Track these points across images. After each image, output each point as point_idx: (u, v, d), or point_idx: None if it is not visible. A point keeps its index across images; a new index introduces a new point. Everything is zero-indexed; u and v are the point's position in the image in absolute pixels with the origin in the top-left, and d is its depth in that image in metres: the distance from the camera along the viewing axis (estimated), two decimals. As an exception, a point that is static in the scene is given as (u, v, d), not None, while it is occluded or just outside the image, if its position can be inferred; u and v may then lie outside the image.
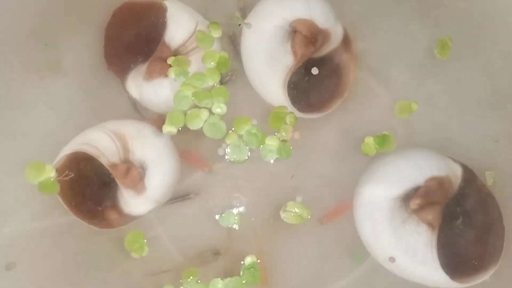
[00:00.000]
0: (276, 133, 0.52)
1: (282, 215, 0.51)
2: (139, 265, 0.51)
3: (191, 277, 0.49)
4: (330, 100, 0.53)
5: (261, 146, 0.51)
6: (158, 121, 0.52)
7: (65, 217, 0.51)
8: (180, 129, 0.52)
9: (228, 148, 0.52)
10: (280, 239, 0.53)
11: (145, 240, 0.50)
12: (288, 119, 0.51)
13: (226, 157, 0.52)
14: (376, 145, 0.52)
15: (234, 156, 0.51)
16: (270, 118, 0.51)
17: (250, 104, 0.54)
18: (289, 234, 0.52)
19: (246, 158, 0.51)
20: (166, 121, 0.50)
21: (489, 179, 0.52)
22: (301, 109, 0.52)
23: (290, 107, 0.51)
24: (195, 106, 0.51)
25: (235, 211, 0.52)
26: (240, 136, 0.51)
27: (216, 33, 0.52)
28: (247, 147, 0.52)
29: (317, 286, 0.52)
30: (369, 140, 0.52)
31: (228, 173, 0.54)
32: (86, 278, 0.51)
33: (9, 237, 0.51)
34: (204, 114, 0.50)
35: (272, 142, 0.51)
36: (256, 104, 0.54)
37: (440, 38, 0.55)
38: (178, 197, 0.53)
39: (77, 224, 0.51)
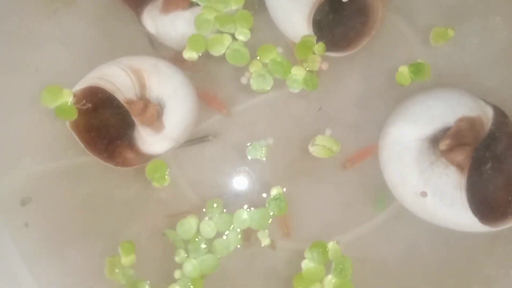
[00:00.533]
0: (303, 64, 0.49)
1: (311, 149, 0.49)
2: (156, 206, 0.50)
3: (216, 205, 0.48)
4: (355, 39, 0.50)
5: (287, 76, 0.49)
6: (175, 57, 0.50)
7: (80, 157, 0.50)
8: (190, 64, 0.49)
9: (251, 77, 0.49)
10: (301, 185, 0.51)
11: (167, 171, 0.48)
12: (316, 48, 0.49)
13: (250, 86, 0.49)
14: (410, 74, 0.49)
15: (258, 85, 0.48)
16: (297, 47, 0.48)
17: (271, 41, 0.51)
18: (311, 180, 0.51)
19: (270, 88, 0.49)
20: (187, 46, 0.47)
21: None
22: (325, 48, 0.49)
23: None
24: (218, 32, 0.48)
25: (262, 143, 0.50)
26: (265, 65, 0.49)
27: None
28: (271, 77, 0.49)
29: (337, 232, 0.51)
30: (403, 69, 0.50)
31: (247, 115, 0.52)
32: (103, 218, 0.50)
33: (24, 175, 0.50)
34: (227, 39, 0.48)
35: (298, 72, 0.49)
36: (277, 41, 0.51)
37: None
38: (196, 138, 0.51)
39: (92, 165, 0.50)
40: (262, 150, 0.50)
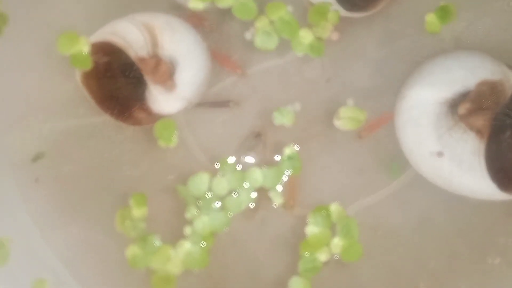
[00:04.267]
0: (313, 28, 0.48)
1: (337, 123, 0.48)
2: (166, 166, 0.49)
3: (229, 162, 0.48)
4: (374, -1, 0.49)
5: (293, 37, 0.48)
6: (192, 17, 0.49)
7: (91, 117, 0.49)
8: (207, 24, 0.48)
9: (256, 33, 0.48)
10: (313, 151, 0.50)
11: (176, 131, 0.48)
12: (330, 16, 0.47)
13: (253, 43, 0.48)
14: (439, 20, 0.48)
15: (262, 43, 0.47)
16: (310, 11, 0.47)
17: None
18: (323, 145, 0.50)
19: (274, 47, 0.48)
20: None
21: None
22: (343, 4, 0.48)
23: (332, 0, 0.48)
24: None
25: (289, 108, 0.49)
26: (272, 22, 0.48)
27: None
28: (277, 36, 0.48)
29: (350, 199, 0.50)
30: (430, 16, 0.48)
31: (260, 79, 0.50)
32: (112, 176, 0.49)
33: (34, 132, 0.49)
34: None
35: (306, 35, 0.47)
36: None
37: None
38: (216, 102, 0.50)
39: (104, 123, 0.49)
40: (289, 115, 0.49)
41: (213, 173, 0.48)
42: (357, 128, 0.48)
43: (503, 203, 0.47)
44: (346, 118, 0.48)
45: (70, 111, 0.50)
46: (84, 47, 0.45)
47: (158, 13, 0.49)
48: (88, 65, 0.46)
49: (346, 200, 0.50)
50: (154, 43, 0.47)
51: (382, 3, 0.49)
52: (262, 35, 0.47)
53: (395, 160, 0.50)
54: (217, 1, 0.47)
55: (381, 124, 0.50)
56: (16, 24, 0.50)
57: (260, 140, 0.49)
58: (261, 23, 0.47)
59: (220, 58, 0.51)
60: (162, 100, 0.47)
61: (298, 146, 0.49)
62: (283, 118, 0.49)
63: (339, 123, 0.48)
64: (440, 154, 0.45)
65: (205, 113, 0.51)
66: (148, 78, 0.47)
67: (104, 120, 0.48)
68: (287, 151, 0.48)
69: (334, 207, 0.47)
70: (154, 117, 0.48)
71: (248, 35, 0.49)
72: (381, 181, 0.50)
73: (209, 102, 0.50)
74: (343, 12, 0.48)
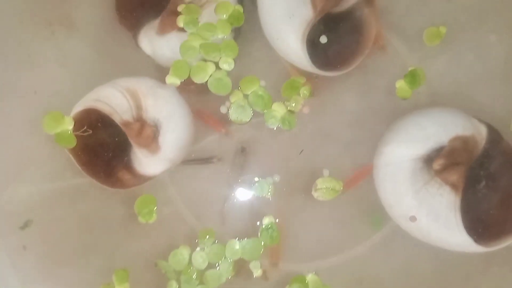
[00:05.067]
0: (285, 102, 0.50)
1: (315, 194, 0.49)
2: (152, 226, 0.50)
3: (208, 237, 0.48)
4: (350, 58, 0.51)
5: (266, 110, 0.49)
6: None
7: (78, 179, 0.50)
8: (193, 87, 0.50)
9: (231, 106, 0.49)
10: (296, 203, 0.51)
11: (155, 208, 0.49)
12: (302, 91, 0.49)
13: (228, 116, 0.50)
14: (408, 85, 0.49)
15: (236, 116, 0.49)
16: (284, 85, 0.49)
17: (265, 60, 0.52)
18: (306, 198, 0.51)
19: (248, 120, 0.49)
20: (170, 71, 0.48)
21: None
22: (319, 67, 0.50)
23: (309, 63, 0.49)
24: (203, 59, 0.49)
25: (269, 180, 0.50)
26: (246, 96, 0.49)
27: None
28: (251, 109, 0.49)
29: (334, 252, 0.51)
30: (400, 83, 0.50)
31: (242, 135, 0.52)
32: (99, 240, 0.50)
33: (20, 198, 0.50)
34: (211, 67, 0.48)
35: (278, 109, 0.49)
36: (272, 60, 0.52)
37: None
38: (200, 159, 0.52)
39: (90, 186, 0.50)
40: (269, 188, 0.50)
41: (197, 233, 0.49)
42: (334, 197, 0.49)
43: (482, 254, 0.48)
44: (324, 189, 0.49)
45: (58, 174, 0.51)
46: (68, 126, 0.47)
47: (141, 77, 0.50)
48: (73, 143, 0.47)
49: (330, 253, 0.51)
50: (139, 107, 0.49)
51: (357, 61, 0.51)
52: (236, 109, 0.49)
53: (377, 212, 0.51)
54: (193, 77, 0.48)
55: (361, 178, 0.51)
56: (4, 91, 0.51)
57: (245, 153, 0.50)
58: (236, 97, 0.49)
59: (204, 117, 0.52)
60: (146, 162, 0.49)
61: (281, 198, 0.50)
62: (263, 190, 0.50)
63: (317, 195, 0.49)
64: (412, 218, 0.46)
65: (189, 169, 0.52)
66: (132, 142, 0.48)
67: (91, 181, 0.49)
68: (266, 220, 0.49)
69: (310, 277, 0.48)
70: (140, 179, 0.49)
71: (223, 109, 0.51)
72: (364, 232, 0.51)
73: (194, 159, 0.52)
74: (321, 72, 0.50)
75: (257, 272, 0.49)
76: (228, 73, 0.49)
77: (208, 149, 0.52)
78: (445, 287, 0.50)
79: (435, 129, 0.47)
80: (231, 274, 0.48)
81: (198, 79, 0.48)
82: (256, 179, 0.50)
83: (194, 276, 0.47)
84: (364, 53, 0.51)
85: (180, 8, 0.48)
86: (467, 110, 0.50)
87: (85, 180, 0.50)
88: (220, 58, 0.48)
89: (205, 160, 0.52)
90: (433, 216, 0.46)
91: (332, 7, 0.49)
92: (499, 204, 0.48)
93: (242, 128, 0.52)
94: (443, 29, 0.51)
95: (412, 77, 0.49)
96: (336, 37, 0.51)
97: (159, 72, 0.52)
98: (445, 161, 0.46)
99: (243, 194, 0.51)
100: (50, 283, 0.49)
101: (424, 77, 0.50)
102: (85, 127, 0.47)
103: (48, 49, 0.52)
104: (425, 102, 0.52)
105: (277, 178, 0.51)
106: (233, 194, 0.51)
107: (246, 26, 0.52)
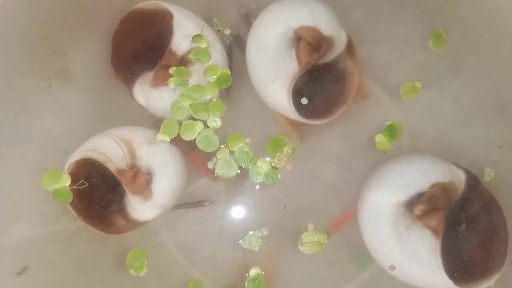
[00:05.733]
0: (269, 158, 0.52)
1: (301, 248, 0.51)
2: (147, 270, 0.51)
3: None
4: (334, 106, 0.53)
5: (250, 165, 0.51)
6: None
7: (73, 223, 0.52)
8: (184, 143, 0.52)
9: (218, 162, 0.51)
10: (284, 247, 0.53)
11: (146, 262, 0.50)
12: (286, 149, 0.52)
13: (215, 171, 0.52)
14: (387, 138, 0.52)
15: (223, 171, 0.51)
16: (269, 143, 0.51)
17: (254, 108, 0.54)
18: (293, 242, 0.53)
19: (234, 174, 0.51)
20: (161, 130, 0.50)
21: (486, 175, 0.53)
22: (305, 116, 0.52)
23: (295, 114, 0.52)
24: (191, 117, 0.51)
25: (257, 234, 0.52)
26: (232, 153, 0.51)
27: (202, 44, 0.51)
28: (237, 165, 0.51)
29: (322, 293, 0.53)
30: (379, 137, 0.52)
31: (235, 183, 0.54)
32: (93, 283, 0.52)
33: (17, 242, 0.52)
34: (199, 126, 0.51)
35: (262, 165, 0.51)
36: (260, 108, 0.54)
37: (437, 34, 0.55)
38: (192, 203, 0.54)
39: (84, 230, 0.52)
40: (257, 241, 0.51)
41: (191, 273, 0.51)
42: (319, 250, 0.51)
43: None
44: (309, 243, 0.51)
45: (53, 219, 0.52)
46: (66, 183, 0.49)
47: (135, 127, 0.53)
48: (69, 199, 0.49)
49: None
50: (133, 155, 0.51)
51: (341, 110, 0.54)
52: (223, 164, 0.51)
53: (363, 253, 0.53)
54: (182, 135, 0.50)
55: (346, 221, 0.53)
56: (3, 139, 0.53)
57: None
58: (222, 154, 0.51)
59: (196, 162, 0.54)
60: (140, 209, 0.51)
61: (269, 240, 0.52)
62: (251, 244, 0.51)
63: (303, 248, 0.51)
64: (391, 268, 0.48)
65: (182, 213, 0.54)
66: (126, 188, 0.50)
67: (84, 225, 0.51)
68: (252, 271, 0.50)
69: None
70: (133, 224, 0.51)
71: (210, 164, 0.53)
72: (350, 273, 0.53)
73: (186, 203, 0.54)
74: (307, 121, 0.53)
75: None
76: (216, 130, 0.51)
77: (199, 192, 0.54)
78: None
79: (415, 176, 0.50)
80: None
81: (187, 136, 0.50)
82: (247, 232, 0.52)
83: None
84: (347, 102, 0.54)
85: (171, 71, 0.51)
86: (447, 155, 0.53)
87: (80, 224, 0.51)
88: (208, 117, 0.51)
89: (197, 203, 0.54)
90: (415, 259, 0.48)
91: (316, 60, 0.52)
92: (479, 245, 0.50)
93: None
94: (418, 84, 0.54)
95: (390, 131, 0.52)
96: (320, 87, 0.54)
97: (153, 121, 0.54)
98: (425, 206, 0.49)
99: (232, 245, 0.52)
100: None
101: (402, 130, 0.53)
102: (81, 180, 0.49)
103: (46, 101, 0.54)
104: (406, 148, 0.55)
105: (265, 231, 0.52)
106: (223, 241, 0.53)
107: (236, 76, 0.55)
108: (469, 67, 0.57)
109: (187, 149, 0.53)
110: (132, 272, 0.50)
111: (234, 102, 0.55)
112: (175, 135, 0.50)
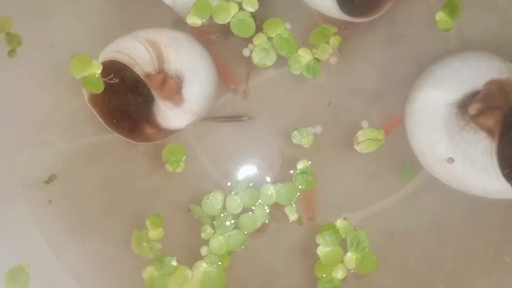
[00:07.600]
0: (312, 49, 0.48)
1: (358, 148, 0.47)
2: (177, 182, 0.49)
3: (241, 179, 0.47)
4: (378, 3, 0.48)
5: (291, 54, 0.47)
6: (196, 31, 0.49)
7: (101, 135, 0.49)
8: (214, 37, 0.48)
9: (254, 49, 0.47)
10: (325, 157, 0.50)
11: (184, 157, 0.47)
12: (332, 40, 0.47)
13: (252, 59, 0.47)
14: (448, 15, 0.47)
15: (259, 59, 0.47)
16: (314, 32, 0.47)
17: (291, 5, 0.50)
18: (335, 152, 0.50)
19: (272, 64, 0.47)
20: (191, 11, 0.46)
21: None
22: (347, 12, 0.48)
23: (336, 9, 0.47)
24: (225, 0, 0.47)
25: (310, 130, 0.48)
26: (270, 39, 0.47)
27: None
28: (275, 53, 0.47)
29: (364, 204, 0.50)
30: (439, 15, 0.48)
31: (263, 91, 0.50)
32: (125, 193, 0.49)
33: (45, 153, 0.49)
34: (234, 8, 0.46)
35: (304, 55, 0.47)
36: (298, 6, 0.50)
37: None
38: (230, 116, 0.50)
39: (113, 141, 0.49)
40: (309, 137, 0.48)
41: (225, 189, 0.48)
42: (378, 147, 0.48)
43: (519, 201, 0.47)
44: (366, 141, 0.47)
45: (80, 130, 0.50)
46: (96, 70, 0.45)
47: (162, 29, 0.49)
48: (101, 88, 0.46)
49: (361, 205, 0.50)
50: (160, 58, 0.47)
51: (386, 7, 0.49)
52: (260, 52, 0.47)
53: (407, 163, 0.50)
54: (215, 17, 0.46)
55: (392, 128, 0.50)
56: (27, 46, 0.50)
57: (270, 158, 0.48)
58: (259, 40, 0.47)
59: (220, 68, 0.51)
60: (170, 115, 0.47)
61: (310, 153, 0.49)
62: (302, 139, 0.48)
63: (359, 148, 0.47)
64: (450, 160, 0.45)
65: (212, 126, 0.51)
66: (155, 94, 0.46)
67: (114, 137, 0.48)
68: (300, 165, 0.48)
69: (340, 223, 0.47)
70: (164, 133, 0.48)
71: (246, 52, 0.49)
72: (394, 185, 0.50)
73: (223, 116, 0.51)
74: (348, 18, 0.48)
75: (292, 217, 0.48)
76: (252, 15, 0.47)
77: (232, 105, 0.51)
78: (479, 237, 0.49)
79: (470, 73, 0.46)
80: (267, 219, 0.47)
81: (220, 19, 0.46)
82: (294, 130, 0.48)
83: (228, 221, 0.46)
84: (392, -1, 0.49)
85: None
86: (501, 54, 0.48)
87: (108, 136, 0.49)
88: None
89: (235, 118, 0.51)
90: (469, 162, 0.45)
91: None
92: (536, 149, 0.47)
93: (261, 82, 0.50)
94: None
95: (450, 7, 0.47)
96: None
97: (178, 25, 0.50)
98: (481, 105, 0.45)
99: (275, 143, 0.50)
100: (77, 238, 0.48)
101: (462, 6, 0.48)
102: (112, 75, 0.45)
103: (64, 2, 0.50)
104: (457, 48, 0.50)
105: (318, 129, 0.49)
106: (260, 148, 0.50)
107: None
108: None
109: (216, 56, 0.50)
110: (168, 167, 0.47)
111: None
112: (206, 17, 0.46)
